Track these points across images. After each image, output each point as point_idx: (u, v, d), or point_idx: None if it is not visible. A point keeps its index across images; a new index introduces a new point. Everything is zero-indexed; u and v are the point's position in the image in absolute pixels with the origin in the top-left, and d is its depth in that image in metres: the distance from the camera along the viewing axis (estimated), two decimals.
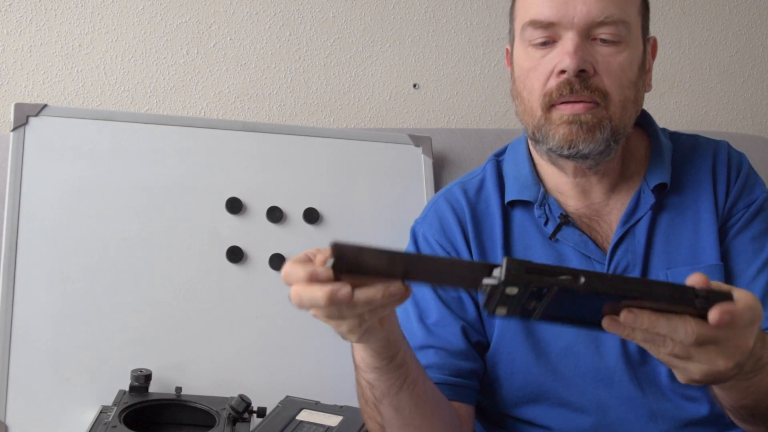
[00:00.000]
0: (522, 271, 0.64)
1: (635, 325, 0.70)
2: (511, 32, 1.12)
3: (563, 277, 0.64)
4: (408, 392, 0.92)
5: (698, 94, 1.97)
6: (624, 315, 0.70)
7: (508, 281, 0.64)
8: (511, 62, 1.12)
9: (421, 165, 1.48)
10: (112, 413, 1.12)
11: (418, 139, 1.49)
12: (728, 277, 1.08)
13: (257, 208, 1.37)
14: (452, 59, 1.79)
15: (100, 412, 1.15)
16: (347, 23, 1.71)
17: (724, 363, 0.73)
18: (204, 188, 1.35)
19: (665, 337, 0.71)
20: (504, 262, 0.64)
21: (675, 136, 1.18)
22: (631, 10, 1.05)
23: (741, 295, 0.72)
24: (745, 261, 1.08)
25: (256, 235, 1.35)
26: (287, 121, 1.69)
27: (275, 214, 1.37)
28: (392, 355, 0.88)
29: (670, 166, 1.11)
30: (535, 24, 1.03)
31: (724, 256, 1.08)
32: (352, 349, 0.91)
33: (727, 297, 0.68)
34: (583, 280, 0.64)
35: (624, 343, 1.06)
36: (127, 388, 1.19)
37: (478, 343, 1.10)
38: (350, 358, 0.93)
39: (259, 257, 1.35)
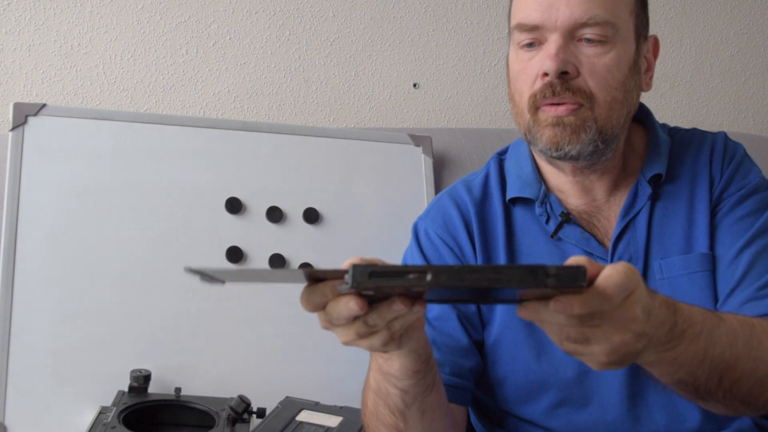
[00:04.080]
0: (366, 276, 0.64)
1: (529, 318, 0.69)
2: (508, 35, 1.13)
3: (411, 276, 0.64)
4: (435, 393, 0.92)
5: (699, 93, 1.97)
6: (519, 311, 0.69)
7: (358, 287, 0.64)
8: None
9: (421, 164, 1.48)
10: (112, 414, 1.12)
11: (418, 139, 1.49)
12: (714, 260, 1.06)
13: (257, 208, 1.37)
14: (452, 59, 1.78)
15: (99, 412, 1.15)
16: (347, 22, 1.71)
17: (620, 337, 0.70)
18: (203, 188, 1.34)
19: (552, 323, 0.69)
20: (350, 269, 0.64)
21: (674, 131, 1.18)
22: (620, 10, 1.04)
23: (606, 269, 0.68)
24: (729, 242, 1.06)
25: (256, 235, 1.35)
26: (287, 121, 1.68)
27: (275, 214, 1.37)
28: (429, 354, 0.87)
29: (667, 159, 1.11)
30: (522, 27, 1.04)
31: (712, 241, 1.07)
32: (375, 363, 0.89)
33: (579, 271, 0.64)
34: (429, 277, 0.63)
35: None
36: (126, 389, 1.19)
37: (476, 341, 1.10)
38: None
39: (259, 257, 1.35)
